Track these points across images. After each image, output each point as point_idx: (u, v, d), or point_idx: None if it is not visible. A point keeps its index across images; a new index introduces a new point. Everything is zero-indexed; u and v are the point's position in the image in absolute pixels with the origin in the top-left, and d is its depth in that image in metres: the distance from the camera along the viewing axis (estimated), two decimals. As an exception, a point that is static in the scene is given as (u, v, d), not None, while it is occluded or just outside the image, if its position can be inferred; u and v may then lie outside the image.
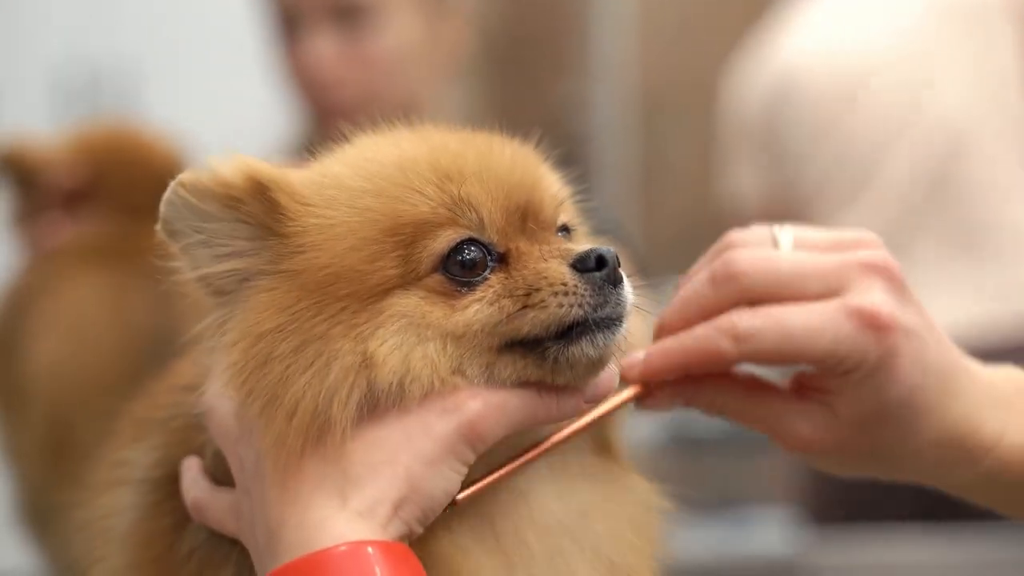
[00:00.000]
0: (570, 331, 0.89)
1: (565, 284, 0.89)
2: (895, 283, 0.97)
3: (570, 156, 1.07)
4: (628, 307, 0.91)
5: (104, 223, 1.92)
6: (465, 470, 0.89)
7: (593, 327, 0.89)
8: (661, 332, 1.00)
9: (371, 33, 2.16)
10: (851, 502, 2.45)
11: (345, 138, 1.01)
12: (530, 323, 0.89)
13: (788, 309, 0.95)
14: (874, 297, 0.95)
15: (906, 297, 0.97)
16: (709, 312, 0.97)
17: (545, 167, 0.99)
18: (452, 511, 0.90)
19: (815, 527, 2.51)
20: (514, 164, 0.95)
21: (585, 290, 0.89)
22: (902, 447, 0.99)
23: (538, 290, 0.89)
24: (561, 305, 0.88)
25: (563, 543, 0.94)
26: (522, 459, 0.93)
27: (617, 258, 0.90)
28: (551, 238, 0.94)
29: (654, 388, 1.00)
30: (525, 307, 0.89)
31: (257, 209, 0.91)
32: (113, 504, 1.04)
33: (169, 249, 0.94)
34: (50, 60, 3.62)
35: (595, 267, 0.89)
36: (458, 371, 0.89)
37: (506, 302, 0.89)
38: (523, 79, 4.56)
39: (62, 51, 3.63)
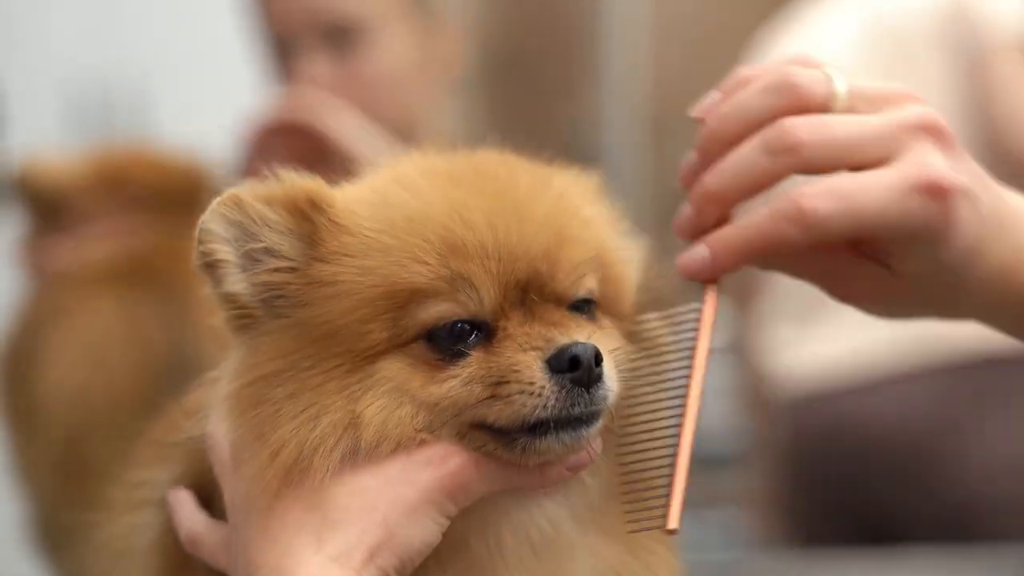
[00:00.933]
0: (540, 426, 0.88)
1: (532, 383, 0.87)
2: (947, 141, 0.96)
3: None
4: (605, 403, 0.89)
5: (120, 244, 1.92)
6: (446, 521, 0.89)
7: (563, 426, 0.88)
8: (706, 200, 0.98)
9: (364, 52, 2.17)
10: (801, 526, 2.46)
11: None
12: (495, 414, 0.88)
13: (855, 187, 0.93)
14: (934, 161, 0.94)
15: (957, 153, 0.96)
16: (763, 183, 0.95)
17: (582, 225, 0.97)
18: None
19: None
20: (537, 230, 0.93)
21: (552, 391, 0.87)
22: (956, 294, 0.99)
23: (507, 383, 0.88)
24: (524, 405, 0.87)
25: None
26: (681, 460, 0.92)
27: (596, 356, 0.88)
28: (550, 315, 0.92)
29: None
30: (494, 396, 0.88)
31: (305, 228, 0.92)
32: (133, 524, 1.05)
33: (203, 263, 0.93)
34: (60, 78, 3.63)
35: (568, 368, 0.87)
36: (428, 431, 0.89)
37: (477, 387, 0.88)
38: (532, 98, 4.56)
39: (72, 69, 3.63)
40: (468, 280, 0.90)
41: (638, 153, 4.22)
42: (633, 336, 0.98)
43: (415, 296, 0.89)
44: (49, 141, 2.28)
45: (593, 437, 0.90)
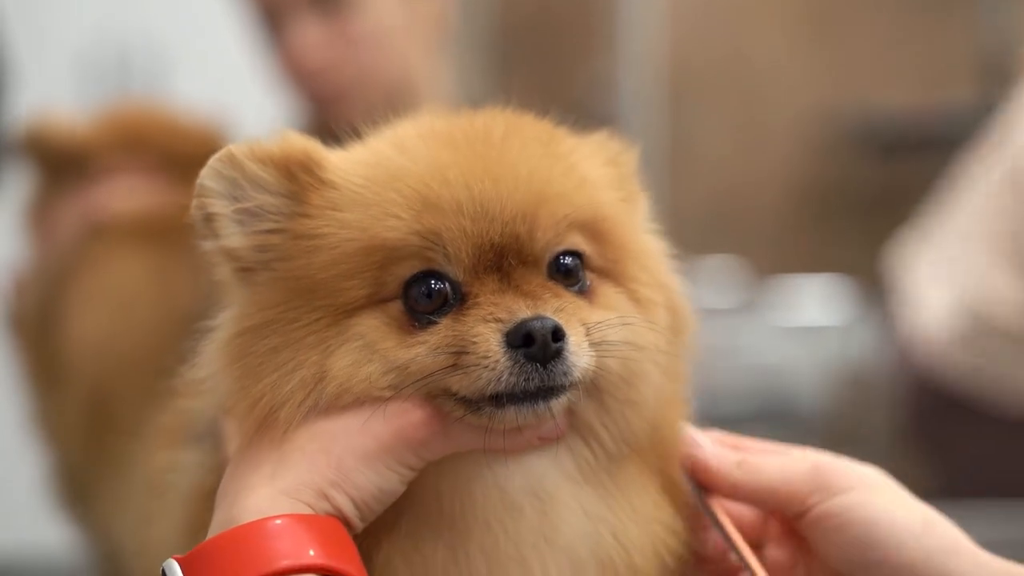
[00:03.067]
0: (499, 398, 0.88)
1: (487, 357, 0.87)
2: None
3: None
4: (567, 378, 0.88)
5: (146, 199, 1.92)
6: (408, 472, 0.90)
7: (519, 399, 0.88)
8: None
9: (351, 14, 2.16)
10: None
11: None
12: (457, 384, 0.89)
13: None
14: None
15: None
16: None
17: (574, 185, 0.96)
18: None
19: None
20: (515, 189, 0.92)
21: (505, 366, 0.87)
22: None
23: (467, 354, 0.88)
24: (480, 377, 0.87)
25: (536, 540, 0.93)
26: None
27: (555, 332, 0.87)
28: (526, 283, 0.92)
29: None
30: (455, 365, 0.88)
31: (293, 188, 0.93)
32: (176, 460, 1.06)
33: (202, 217, 0.95)
34: (76, 41, 3.62)
35: (522, 344, 0.87)
36: (392, 389, 0.90)
37: (441, 356, 0.89)
38: (548, 58, 4.55)
39: (88, 32, 3.63)
40: (438, 236, 0.90)
41: (654, 114, 4.21)
42: (637, 297, 0.97)
43: (391, 254, 0.90)
44: (65, 105, 2.27)
45: (556, 410, 0.90)
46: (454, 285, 0.91)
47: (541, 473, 0.93)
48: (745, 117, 4.32)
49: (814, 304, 4.04)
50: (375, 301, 0.91)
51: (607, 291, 0.96)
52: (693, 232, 4.14)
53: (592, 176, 0.98)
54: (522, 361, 0.87)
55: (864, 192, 4.58)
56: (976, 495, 2.33)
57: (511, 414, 0.89)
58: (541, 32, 4.60)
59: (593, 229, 0.95)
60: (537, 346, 0.87)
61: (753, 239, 4.44)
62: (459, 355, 0.88)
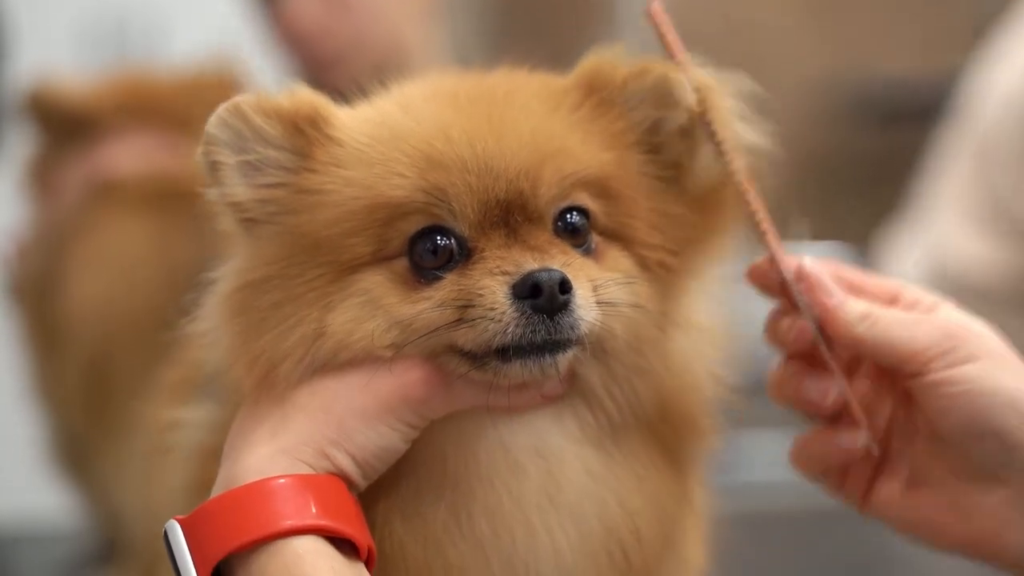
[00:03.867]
0: (505, 351, 0.88)
1: (494, 308, 0.87)
2: None
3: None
4: (575, 332, 0.88)
5: (148, 162, 1.91)
6: (409, 431, 0.90)
7: (526, 352, 0.88)
8: None
9: None
10: None
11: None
12: (462, 338, 0.88)
13: None
14: None
15: None
16: None
17: (580, 141, 0.94)
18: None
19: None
20: (520, 145, 0.91)
21: (512, 318, 0.86)
22: None
23: (473, 307, 0.87)
24: (486, 330, 0.87)
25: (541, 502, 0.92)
26: None
27: (562, 283, 0.86)
28: (533, 239, 0.91)
29: None
30: (461, 319, 0.88)
31: (299, 143, 0.92)
32: (179, 418, 1.05)
33: (206, 166, 0.94)
34: (74, 6, 3.61)
35: (529, 294, 0.86)
36: (394, 348, 0.89)
37: (447, 310, 0.88)
38: (547, 27, 4.53)
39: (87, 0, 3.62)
40: (443, 192, 0.89)
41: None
42: (646, 262, 0.96)
43: (397, 211, 0.90)
44: (63, 68, 2.26)
45: (561, 364, 0.89)
46: (460, 241, 0.90)
47: (545, 432, 0.93)
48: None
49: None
50: (379, 258, 0.91)
51: (615, 254, 0.95)
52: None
53: (601, 131, 0.96)
54: (528, 312, 0.86)
55: (865, 160, 4.57)
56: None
57: (516, 368, 0.88)
58: (539, 10, 4.58)
59: (600, 187, 0.94)
60: (544, 297, 0.86)
61: (753, 208, 4.42)
62: (465, 308, 0.87)
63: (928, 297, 1.01)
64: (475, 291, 0.87)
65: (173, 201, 1.79)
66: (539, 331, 0.86)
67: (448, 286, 0.89)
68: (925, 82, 4.40)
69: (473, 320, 0.87)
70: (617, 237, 0.95)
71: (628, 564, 0.94)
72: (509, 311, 0.86)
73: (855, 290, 1.00)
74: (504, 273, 0.88)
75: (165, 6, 3.61)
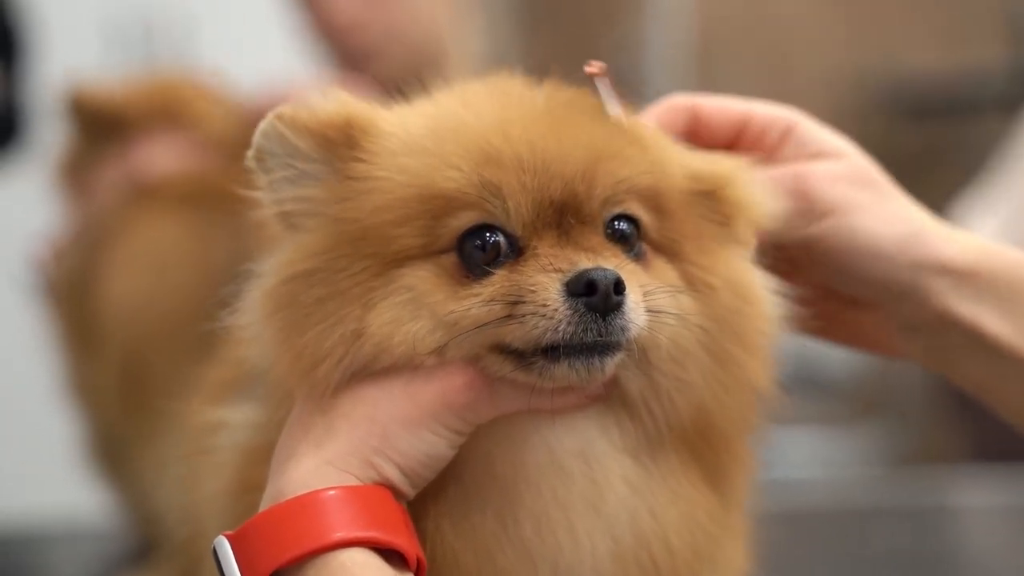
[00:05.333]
0: (554, 350, 0.86)
1: (546, 305, 0.85)
2: None
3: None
4: (623, 335, 0.86)
5: (186, 163, 1.92)
6: (455, 437, 0.89)
7: (575, 352, 0.86)
8: None
9: None
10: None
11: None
12: (511, 335, 0.86)
13: None
14: None
15: None
16: None
17: (635, 149, 0.94)
18: None
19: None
20: (574, 147, 0.91)
21: (564, 315, 0.85)
22: None
23: (524, 303, 0.86)
24: (536, 326, 0.85)
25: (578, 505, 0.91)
26: None
27: (617, 284, 0.85)
28: (586, 240, 0.90)
29: None
30: (510, 316, 0.86)
31: (343, 150, 0.92)
32: (224, 418, 1.05)
33: (254, 182, 0.94)
34: (102, 7, 3.62)
35: (584, 292, 0.85)
36: (437, 353, 0.88)
37: (496, 306, 0.87)
38: (575, 19, 4.52)
39: (114, 1, 3.63)
40: (498, 189, 0.89)
41: (681, 76, 4.18)
42: (692, 279, 0.95)
43: (448, 204, 0.89)
44: (91, 69, 2.28)
45: (608, 368, 0.88)
46: (510, 239, 0.89)
47: (590, 437, 0.92)
48: (773, 79, 4.29)
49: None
50: (427, 253, 0.89)
51: (661, 265, 0.94)
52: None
53: (654, 143, 0.97)
54: (582, 311, 0.84)
55: (894, 154, 4.54)
56: (1008, 459, 2.32)
57: (563, 368, 0.86)
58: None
59: (653, 201, 0.94)
60: (599, 296, 0.84)
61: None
62: (515, 304, 0.86)
63: (778, 123, 1.07)
64: (527, 287, 0.86)
65: (209, 202, 1.79)
66: (591, 330, 0.85)
67: (499, 282, 0.88)
68: (953, 75, 4.38)
69: (523, 316, 0.85)
70: (665, 251, 0.95)
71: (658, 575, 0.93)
72: (562, 308, 0.85)
73: (698, 122, 1.06)
74: (557, 270, 0.86)
75: (192, 7, 3.62)
